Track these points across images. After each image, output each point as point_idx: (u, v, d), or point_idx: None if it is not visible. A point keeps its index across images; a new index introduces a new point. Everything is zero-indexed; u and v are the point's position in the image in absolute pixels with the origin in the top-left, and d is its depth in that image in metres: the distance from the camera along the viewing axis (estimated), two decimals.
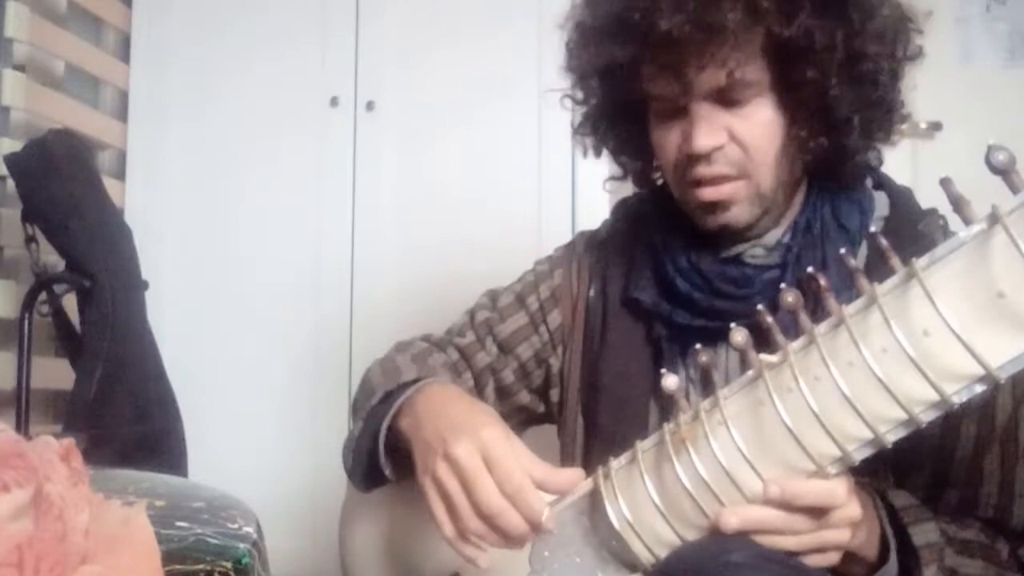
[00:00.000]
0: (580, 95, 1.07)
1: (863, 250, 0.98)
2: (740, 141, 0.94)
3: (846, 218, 0.99)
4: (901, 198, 1.02)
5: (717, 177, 0.94)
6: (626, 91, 0.99)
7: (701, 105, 0.93)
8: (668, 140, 0.97)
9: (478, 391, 1.11)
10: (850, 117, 0.94)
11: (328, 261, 2.09)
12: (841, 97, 0.93)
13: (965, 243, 0.70)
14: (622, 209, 1.15)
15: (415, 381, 0.98)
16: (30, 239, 1.71)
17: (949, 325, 0.69)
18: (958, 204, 0.70)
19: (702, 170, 0.94)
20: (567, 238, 1.21)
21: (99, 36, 2.15)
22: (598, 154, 1.11)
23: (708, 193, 0.95)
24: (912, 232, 0.97)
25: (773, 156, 0.95)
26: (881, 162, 1.04)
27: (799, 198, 1.01)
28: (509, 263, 1.22)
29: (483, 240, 2.01)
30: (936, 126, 2.09)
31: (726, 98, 0.93)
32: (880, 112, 0.97)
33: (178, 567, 0.66)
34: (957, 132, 2.09)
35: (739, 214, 0.96)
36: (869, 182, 1.04)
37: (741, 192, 0.95)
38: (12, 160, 1.70)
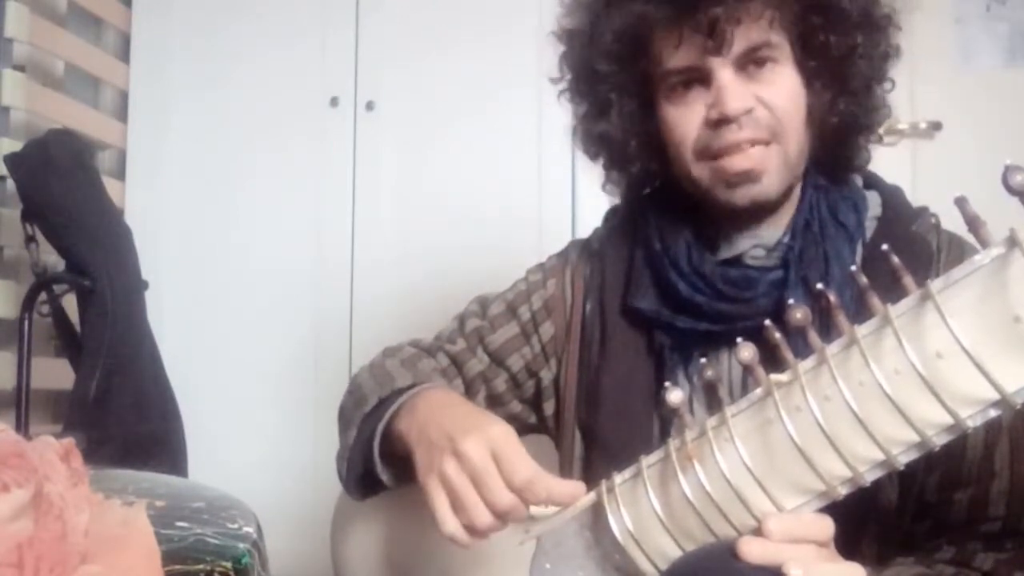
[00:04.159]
0: (583, 87, 1.05)
1: (859, 248, 0.98)
2: (769, 104, 0.94)
3: (843, 215, 0.99)
4: (893, 197, 1.02)
5: (748, 141, 0.94)
6: (640, 68, 0.98)
7: (726, 72, 0.94)
8: (688, 114, 0.96)
9: (469, 398, 1.09)
10: (869, 83, 0.95)
11: (328, 261, 2.09)
12: (862, 62, 0.94)
13: (982, 266, 0.69)
14: (614, 217, 1.14)
15: (411, 387, 0.98)
16: (30, 239, 1.71)
17: (964, 348, 0.68)
18: (973, 224, 0.68)
19: (732, 136, 0.94)
20: (567, 238, 1.21)
21: (99, 36, 2.16)
22: (597, 157, 1.09)
23: (739, 161, 0.94)
24: (906, 233, 0.97)
25: (800, 121, 0.96)
26: (870, 159, 1.04)
27: (795, 197, 1.01)
28: (509, 263, 1.22)
29: (483, 240, 2.01)
30: (936, 126, 2.09)
31: (751, 64, 0.94)
32: (886, 82, 0.99)
33: (178, 567, 0.66)
34: (957, 132, 2.08)
35: (769, 185, 0.95)
36: (860, 181, 1.04)
37: (772, 159, 0.95)
38: (12, 160, 1.70)
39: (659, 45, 0.96)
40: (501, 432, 0.85)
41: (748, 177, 0.95)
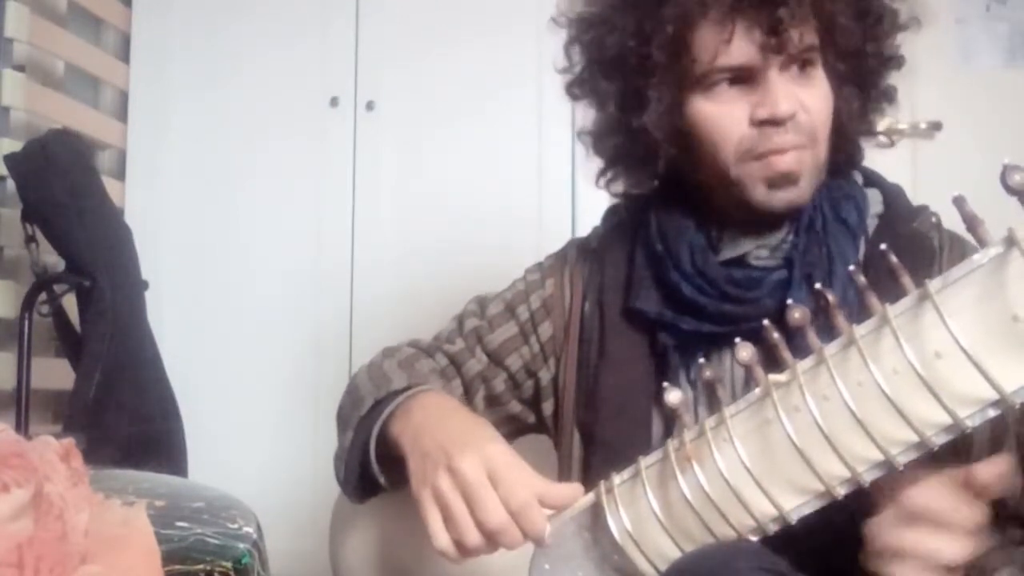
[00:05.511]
0: (608, 80, 1.02)
1: (861, 246, 0.98)
2: (809, 109, 0.94)
3: (845, 212, 0.99)
4: (894, 196, 1.03)
5: (792, 146, 0.94)
6: (679, 63, 0.96)
7: (774, 72, 0.93)
8: (731, 113, 0.95)
9: (467, 399, 1.09)
10: (891, 91, 0.98)
11: (328, 261, 2.09)
12: (888, 71, 0.97)
13: (980, 266, 0.69)
14: (614, 217, 1.13)
15: (406, 389, 0.98)
16: (30, 239, 1.71)
17: (962, 348, 0.68)
18: (972, 224, 0.68)
19: (779, 138, 0.93)
20: (567, 237, 1.20)
21: (99, 36, 2.16)
22: (621, 152, 1.06)
23: (782, 162, 0.94)
24: (907, 230, 0.98)
25: (829, 126, 0.97)
26: (864, 155, 1.05)
27: None
28: (509, 263, 1.21)
29: (483, 239, 2.01)
30: (936, 126, 2.09)
31: (795, 67, 0.94)
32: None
33: (178, 567, 0.67)
34: (957, 132, 2.08)
35: (804, 189, 0.96)
36: (860, 179, 1.04)
37: (808, 162, 0.95)
38: (12, 160, 1.70)
39: (706, 39, 0.94)
40: (498, 451, 0.85)
41: (789, 179, 0.94)
